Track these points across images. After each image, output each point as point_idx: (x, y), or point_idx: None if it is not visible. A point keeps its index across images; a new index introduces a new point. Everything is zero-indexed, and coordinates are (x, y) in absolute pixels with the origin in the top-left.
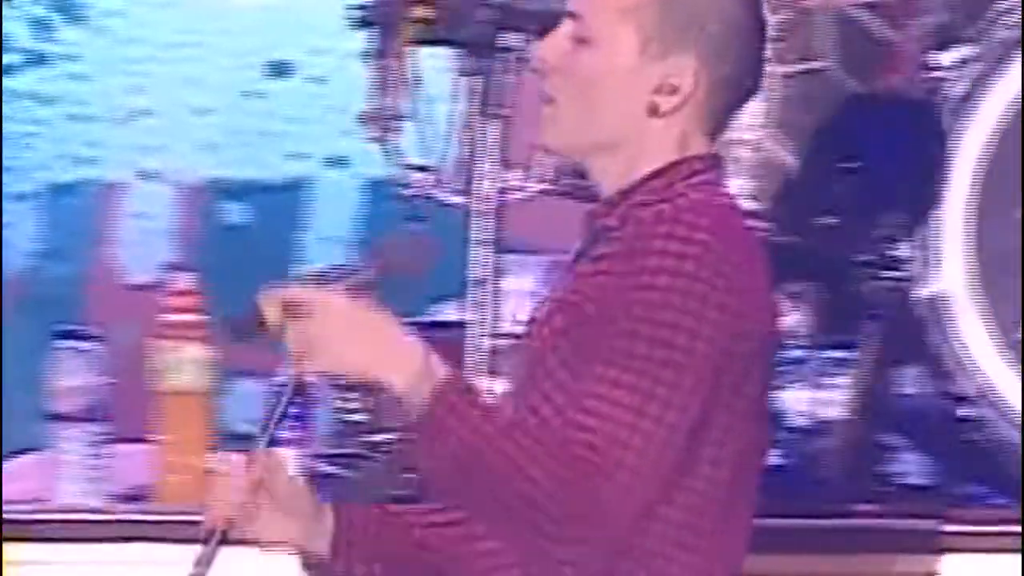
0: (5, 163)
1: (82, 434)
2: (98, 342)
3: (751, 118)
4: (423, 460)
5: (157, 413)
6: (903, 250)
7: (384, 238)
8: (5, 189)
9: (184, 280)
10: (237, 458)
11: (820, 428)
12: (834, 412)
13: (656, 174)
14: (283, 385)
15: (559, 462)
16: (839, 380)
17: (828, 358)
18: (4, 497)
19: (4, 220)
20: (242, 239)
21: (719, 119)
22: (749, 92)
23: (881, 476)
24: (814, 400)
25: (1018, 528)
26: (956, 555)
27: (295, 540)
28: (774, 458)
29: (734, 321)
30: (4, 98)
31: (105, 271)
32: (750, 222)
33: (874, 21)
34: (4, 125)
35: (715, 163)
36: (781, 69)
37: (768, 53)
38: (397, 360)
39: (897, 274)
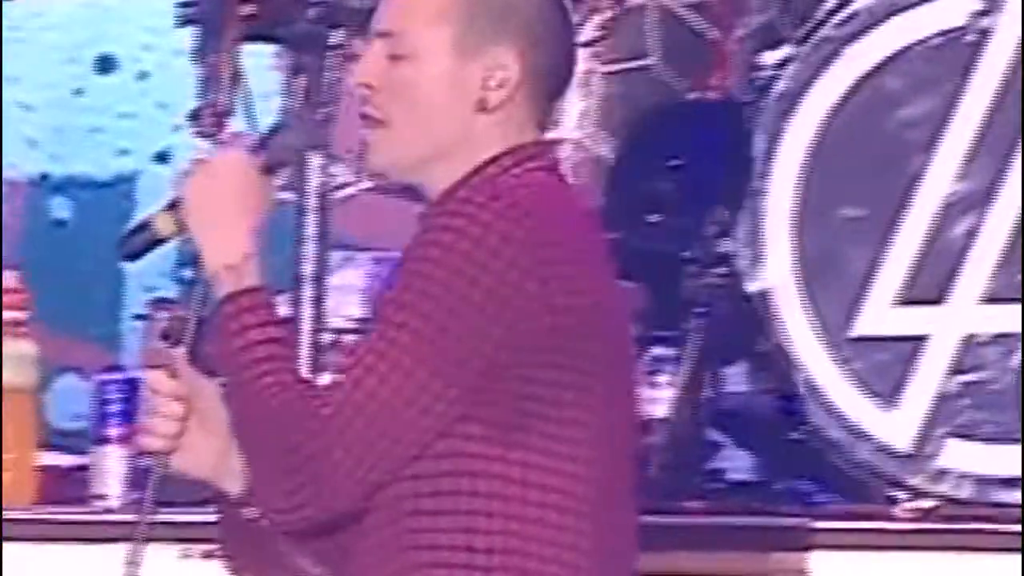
0: None
1: None
2: None
3: (572, 116)
4: (212, 350)
5: None
6: (729, 246)
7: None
8: None
9: (8, 277)
10: (157, 375)
11: (647, 425)
12: (661, 409)
13: (484, 164)
14: (194, 283)
15: (286, 425)
16: (665, 378)
17: (654, 356)
18: None
19: None
20: (68, 235)
21: (545, 109)
22: (566, 81)
23: (708, 473)
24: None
25: (1017, 528)
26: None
27: (213, 470)
28: None
29: (541, 294)
30: None
31: None
32: (585, 208)
33: (699, 20)
34: None
35: (546, 150)
36: (603, 68)
37: (591, 50)
38: (220, 243)
39: (723, 270)
